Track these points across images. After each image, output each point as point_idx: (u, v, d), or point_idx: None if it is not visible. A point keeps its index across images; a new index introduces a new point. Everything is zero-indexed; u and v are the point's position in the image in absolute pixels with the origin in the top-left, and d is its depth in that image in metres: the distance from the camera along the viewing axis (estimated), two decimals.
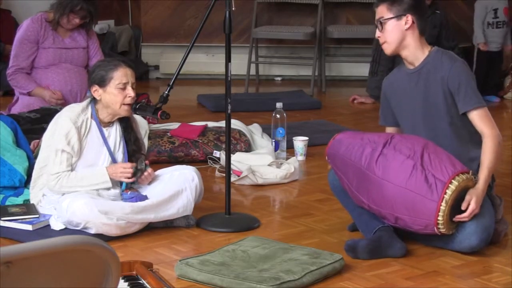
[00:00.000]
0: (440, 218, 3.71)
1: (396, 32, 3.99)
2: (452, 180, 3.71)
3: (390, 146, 3.81)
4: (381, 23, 4.01)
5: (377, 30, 4.04)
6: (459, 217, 3.77)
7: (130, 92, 4.16)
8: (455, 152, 3.88)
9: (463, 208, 3.77)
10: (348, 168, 3.89)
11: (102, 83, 4.16)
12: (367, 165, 3.81)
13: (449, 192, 3.70)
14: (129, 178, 4.17)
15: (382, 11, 4.02)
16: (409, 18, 3.98)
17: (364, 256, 3.83)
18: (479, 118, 3.92)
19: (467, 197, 3.77)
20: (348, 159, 3.88)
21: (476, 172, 3.86)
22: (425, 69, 4.00)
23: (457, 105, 3.94)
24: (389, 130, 4.23)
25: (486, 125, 3.91)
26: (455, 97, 3.94)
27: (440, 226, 3.73)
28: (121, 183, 4.22)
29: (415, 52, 4.02)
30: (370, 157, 3.81)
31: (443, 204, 3.69)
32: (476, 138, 3.96)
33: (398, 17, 3.99)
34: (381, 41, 4.05)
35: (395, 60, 7.21)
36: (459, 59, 4.02)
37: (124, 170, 4.16)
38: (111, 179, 4.16)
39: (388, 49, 4.05)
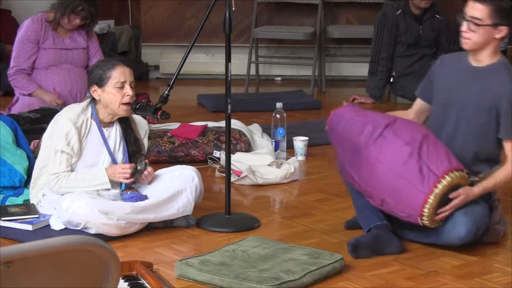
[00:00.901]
0: (426, 210, 3.72)
1: (486, 38, 3.88)
2: (446, 176, 3.71)
3: (391, 129, 3.81)
4: (476, 23, 3.86)
5: (465, 24, 3.89)
6: (441, 210, 3.77)
7: (128, 90, 4.16)
8: (461, 159, 3.85)
9: (451, 197, 3.76)
10: (346, 143, 3.89)
11: (101, 82, 4.16)
12: (365, 143, 3.82)
13: (440, 186, 3.70)
14: (127, 178, 4.17)
15: (482, 13, 3.84)
16: (504, 30, 3.87)
17: (365, 254, 3.84)
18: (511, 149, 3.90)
19: (460, 191, 3.77)
20: (347, 133, 3.88)
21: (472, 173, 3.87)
22: (485, 73, 3.94)
23: (500, 128, 3.90)
24: (417, 104, 4.18)
25: None
26: (500, 118, 3.90)
27: (424, 218, 3.74)
28: (121, 183, 4.22)
29: (487, 56, 3.94)
30: (370, 136, 3.81)
31: (432, 197, 3.70)
32: (489, 161, 3.95)
33: (495, 25, 3.86)
34: (465, 35, 3.90)
35: (394, 61, 7.24)
36: None
37: (123, 170, 4.16)
38: (110, 180, 4.16)
39: (467, 45, 3.92)
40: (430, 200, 3.70)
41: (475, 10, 3.87)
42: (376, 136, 3.80)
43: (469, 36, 3.89)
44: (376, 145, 3.79)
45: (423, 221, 3.76)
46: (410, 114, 4.21)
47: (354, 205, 4.11)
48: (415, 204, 3.72)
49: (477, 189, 3.84)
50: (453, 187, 3.75)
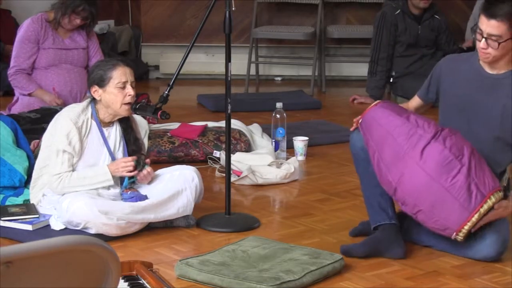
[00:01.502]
0: (466, 227, 3.67)
1: (506, 50, 3.81)
2: (491, 196, 3.66)
3: (439, 139, 3.71)
4: (497, 41, 3.76)
5: (483, 41, 3.78)
6: (481, 222, 3.74)
7: (130, 90, 4.16)
8: (493, 168, 3.82)
9: (496, 208, 3.71)
10: (386, 143, 3.77)
11: (102, 83, 4.16)
12: (410, 149, 3.70)
13: (485, 206, 3.65)
14: (131, 171, 4.16)
15: (501, 29, 3.74)
16: None
17: (360, 256, 3.84)
18: None
19: (502, 203, 3.72)
20: (390, 134, 3.76)
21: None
22: (502, 79, 3.88)
23: None
24: (416, 101, 4.14)
25: None
26: None
27: (460, 235, 3.70)
28: (121, 182, 4.22)
29: (504, 63, 3.88)
30: (416, 143, 3.70)
31: (476, 216, 3.65)
32: (507, 149, 3.93)
33: None
34: (485, 51, 3.81)
35: (393, 61, 7.24)
36: None
37: (125, 164, 4.16)
38: (113, 176, 4.16)
39: (488, 60, 3.84)
40: (473, 219, 3.65)
41: (492, 27, 3.77)
42: (423, 145, 3.69)
43: (489, 51, 3.80)
44: (424, 154, 3.68)
45: (458, 237, 3.72)
46: (411, 108, 4.15)
47: (362, 193, 4.03)
48: (456, 220, 3.67)
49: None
50: (492, 207, 3.72)
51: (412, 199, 3.74)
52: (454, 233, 3.70)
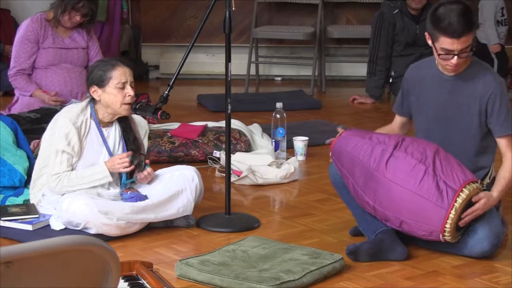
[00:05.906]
0: (447, 226, 3.68)
1: None
2: (463, 189, 3.68)
3: (401, 149, 3.77)
4: (472, 50, 3.80)
5: (455, 59, 3.79)
6: (466, 214, 3.72)
7: (130, 91, 4.16)
8: (464, 160, 3.86)
9: (474, 200, 3.72)
10: (355, 167, 3.84)
11: (101, 83, 4.16)
12: (376, 166, 3.77)
13: (459, 200, 3.67)
14: (127, 167, 4.16)
15: (470, 38, 3.79)
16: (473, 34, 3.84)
17: (364, 259, 3.83)
18: (507, 144, 3.89)
19: (480, 194, 3.74)
20: (356, 158, 3.83)
21: (482, 179, 3.88)
22: (462, 79, 3.92)
23: (492, 127, 3.90)
24: (398, 119, 4.19)
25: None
26: (490, 119, 3.89)
27: (446, 234, 3.71)
28: (120, 181, 4.22)
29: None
30: (380, 158, 3.77)
31: (453, 212, 3.67)
32: (488, 150, 3.96)
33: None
34: (457, 67, 3.85)
35: (392, 60, 7.24)
36: (500, 78, 3.95)
37: (121, 160, 4.16)
38: (111, 173, 4.15)
39: (456, 72, 3.90)
40: (451, 215, 3.67)
41: (463, 43, 3.78)
42: (387, 158, 3.75)
43: (460, 63, 3.83)
44: (389, 166, 3.74)
45: (445, 237, 3.72)
46: (395, 128, 4.20)
47: (354, 216, 4.06)
48: (436, 221, 3.68)
49: (496, 193, 3.82)
50: (470, 199, 3.73)
51: (391, 212, 3.77)
52: (440, 235, 3.71)
